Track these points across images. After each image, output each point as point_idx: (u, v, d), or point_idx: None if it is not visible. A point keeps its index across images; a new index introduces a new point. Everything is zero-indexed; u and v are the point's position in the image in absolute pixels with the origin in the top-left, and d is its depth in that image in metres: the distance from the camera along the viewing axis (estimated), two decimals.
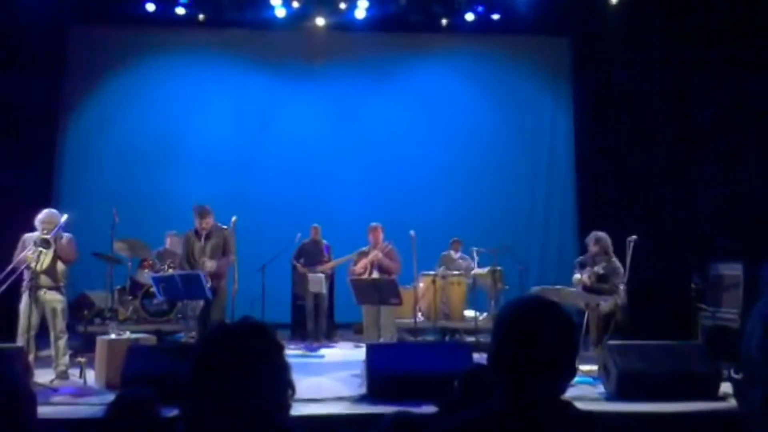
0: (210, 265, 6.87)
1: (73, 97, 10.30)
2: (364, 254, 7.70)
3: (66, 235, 6.31)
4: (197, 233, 7.02)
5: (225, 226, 7.18)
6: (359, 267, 7.59)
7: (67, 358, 6.26)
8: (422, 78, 10.79)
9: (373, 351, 5.75)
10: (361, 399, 5.41)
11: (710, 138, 8.84)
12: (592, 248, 7.27)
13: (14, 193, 8.71)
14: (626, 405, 5.12)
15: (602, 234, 7.32)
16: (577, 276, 7.39)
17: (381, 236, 7.69)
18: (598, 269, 7.08)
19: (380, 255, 7.50)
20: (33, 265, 5.99)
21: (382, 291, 6.87)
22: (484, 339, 8.08)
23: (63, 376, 6.11)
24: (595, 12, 9.76)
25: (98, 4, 9.71)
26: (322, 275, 8.83)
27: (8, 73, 9.13)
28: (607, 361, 5.61)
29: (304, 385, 5.55)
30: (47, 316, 6.19)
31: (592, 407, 4.88)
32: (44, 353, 6.38)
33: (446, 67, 10.89)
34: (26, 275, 6.05)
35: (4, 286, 5.88)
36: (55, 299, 6.20)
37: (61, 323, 6.22)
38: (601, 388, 5.64)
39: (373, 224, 7.82)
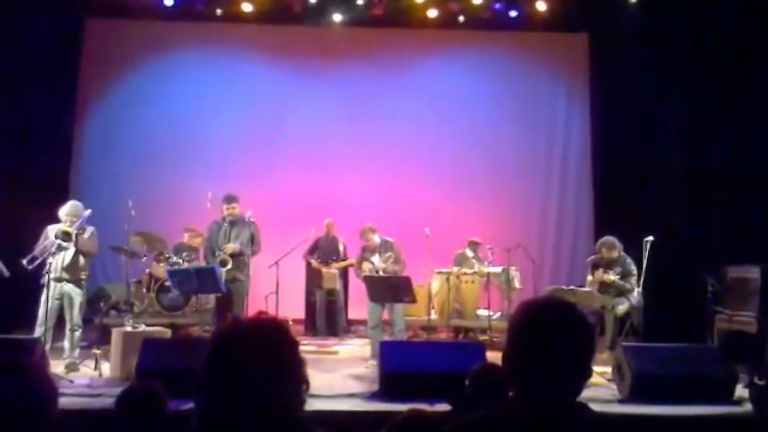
0: (232, 246, 6.99)
1: (91, 90, 10.35)
2: (365, 257, 7.61)
3: (89, 229, 6.39)
4: (222, 220, 7.17)
5: (253, 220, 7.28)
6: (365, 272, 7.48)
7: (78, 352, 6.33)
8: (438, 75, 10.74)
9: (386, 348, 5.75)
10: (373, 396, 5.41)
11: (730, 137, 8.75)
12: (604, 254, 7.25)
13: (31, 187, 8.80)
14: (640, 407, 5.08)
15: (610, 239, 7.29)
16: (590, 277, 7.37)
17: (375, 238, 7.51)
18: (615, 273, 7.05)
19: (384, 265, 7.39)
20: (52, 257, 6.06)
21: (396, 289, 6.87)
22: (497, 338, 8.08)
23: (72, 368, 6.18)
24: (613, 8, 9.68)
25: None
26: (336, 271, 8.86)
27: (26, 67, 9.21)
28: (621, 362, 5.57)
29: (316, 381, 5.52)
30: (64, 308, 6.27)
31: (605, 409, 4.86)
32: (58, 345, 6.45)
33: (462, 63, 10.83)
34: (47, 265, 6.12)
35: (34, 265, 5.96)
36: (74, 292, 6.28)
37: (77, 316, 6.29)
38: (615, 390, 5.60)
39: (364, 227, 7.65)
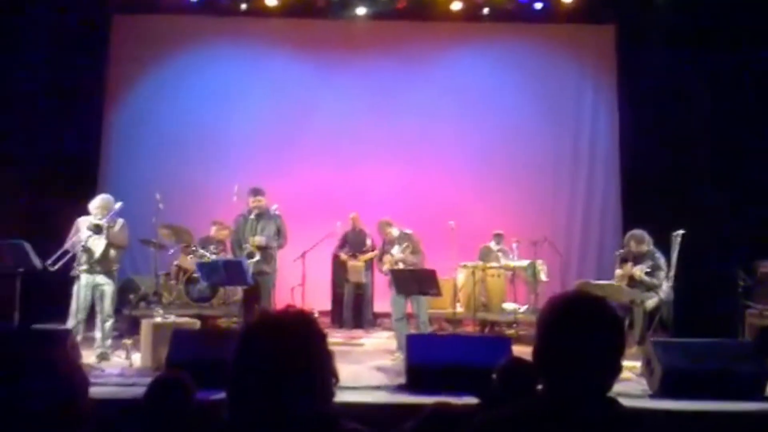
0: (259, 239, 7.05)
1: (118, 85, 10.48)
2: (386, 250, 7.60)
3: (119, 221, 6.48)
4: (248, 213, 7.22)
5: (279, 213, 7.34)
6: (386, 267, 7.47)
7: (110, 341, 6.45)
8: (462, 68, 10.67)
9: (412, 341, 5.75)
10: (399, 388, 5.43)
11: (759, 131, 8.58)
12: (633, 247, 7.16)
13: (61, 181, 8.95)
14: (670, 402, 5.02)
15: (639, 232, 7.20)
16: (619, 271, 7.29)
17: (392, 232, 7.50)
18: (644, 267, 6.97)
19: (402, 255, 7.36)
20: (83, 249, 6.17)
21: (421, 282, 6.85)
22: (524, 331, 8.05)
23: (103, 357, 6.29)
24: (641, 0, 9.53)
25: None
26: (362, 264, 8.89)
27: (55, 62, 9.35)
28: (650, 357, 5.51)
29: (342, 372, 5.49)
30: (96, 300, 6.37)
31: (634, 404, 4.81)
32: (90, 335, 6.56)
33: (487, 57, 10.75)
34: (78, 258, 6.24)
35: (58, 265, 6.08)
36: (105, 283, 6.39)
37: (108, 307, 6.40)
38: (644, 385, 5.54)
39: (379, 222, 7.67)
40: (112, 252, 6.42)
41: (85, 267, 6.28)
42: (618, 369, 1.56)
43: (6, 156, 8.60)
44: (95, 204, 6.39)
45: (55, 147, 9.30)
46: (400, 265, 7.25)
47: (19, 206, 8.33)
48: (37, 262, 6.10)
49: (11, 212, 8.18)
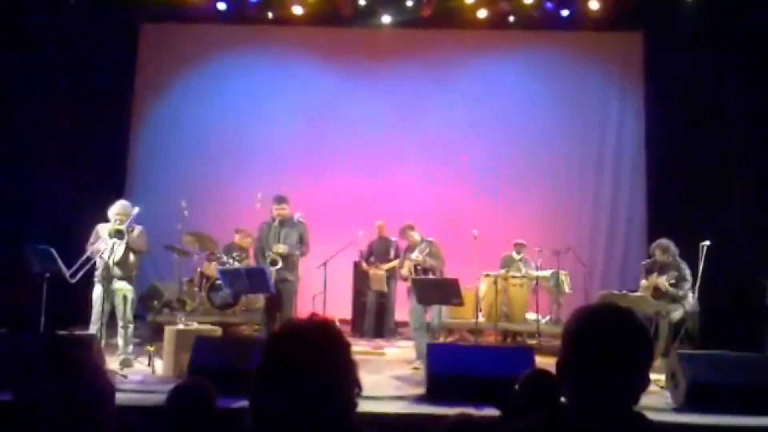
0: (282, 248, 7.07)
1: (146, 93, 10.65)
2: (406, 256, 7.57)
3: (137, 227, 6.55)
4: (271, 221, 7.26)
5: (302, 220, 7.36)
6: (405, 271, 7.46)
7: (131, 347, 6.50)
8: (488, 75, 10.66)
9: (433, 351, 5.72)
10: (420, 399, 5.39)
11: None
12: (658, 257, 7.07)
13: (89, 186, 9.07)
14: (695, 416, 4.93)
15: (665, 241, 7.11)
16: (644, 282, 7.20)
17: (414, 235, 7.51)
18: (669, 278, 6.88)
19: (421, 257, 7.32)
20: (106, 255, 6.24)
21: (443, 290, 6.81)
22: (546, 342, 7.97)
23: (126, 364, 6.34)
24: (669, 6, 9.42)
25: (171, 3, 9.99)
26: (383, 273, 8.86)
27: (84, 70, 9.51)
28: (675, 370, 5.42)
29: (363, 382, 5.55)
30: (116, 305, 6.44)
31: (659, 417, 4.74)
32: (111, 341, 6.62)
33: (513, 64, 10.72)
34: (99, 264, 6.31)
35: (80, 274, 6.16)
36: (125, 288, 6.45)
37: (129, 312, 6.46)
38: (668, 398, 5.46)
39: (402, 226, 7.68)
40: (132, 257, 6.49)
41: (105, 273, 6.34)
42: (645, 382, 1.52)
43: (36, 162, 8.74)
44: (115, 210, 6.46)
45: (83, 154, 9.43)
46: (418, 268, 7.22)
47: (49, 212, 8.45)
48: (63, 267, 6.17)
49: (39, 218, 8.31)
